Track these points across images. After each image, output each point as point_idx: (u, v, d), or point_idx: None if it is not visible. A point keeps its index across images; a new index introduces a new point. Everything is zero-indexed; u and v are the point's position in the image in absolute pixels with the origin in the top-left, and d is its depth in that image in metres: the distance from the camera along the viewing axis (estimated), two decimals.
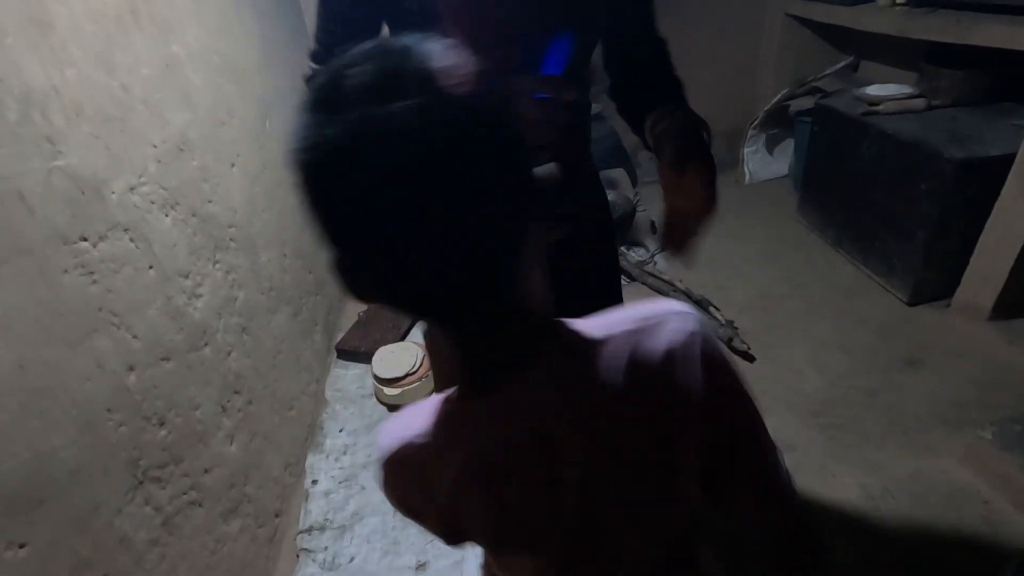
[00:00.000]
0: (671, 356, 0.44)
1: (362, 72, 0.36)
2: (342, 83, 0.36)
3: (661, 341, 0.44)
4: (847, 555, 1.29)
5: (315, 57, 0.86)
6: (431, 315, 0.44)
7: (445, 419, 0.47)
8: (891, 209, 2.04)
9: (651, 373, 0.44)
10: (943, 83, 2.08)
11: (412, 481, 0.50)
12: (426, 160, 0.34)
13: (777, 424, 1.64)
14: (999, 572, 1.20)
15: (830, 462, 1.51)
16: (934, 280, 1.98)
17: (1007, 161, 1.68)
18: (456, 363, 0.46)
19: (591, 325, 0.47)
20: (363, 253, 0.38)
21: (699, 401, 0.45)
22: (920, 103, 2.07)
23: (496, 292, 0.42)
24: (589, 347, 0.45)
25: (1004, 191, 1.71)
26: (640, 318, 0.46)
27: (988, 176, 1.73)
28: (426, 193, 0.35)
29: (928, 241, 1.90)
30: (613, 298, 1.18)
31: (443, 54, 0.37)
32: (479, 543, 0.53)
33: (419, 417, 0.49)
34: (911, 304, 2.02)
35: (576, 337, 0.46)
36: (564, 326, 0.47)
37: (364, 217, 0.36)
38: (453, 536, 0.53)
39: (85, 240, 0.92)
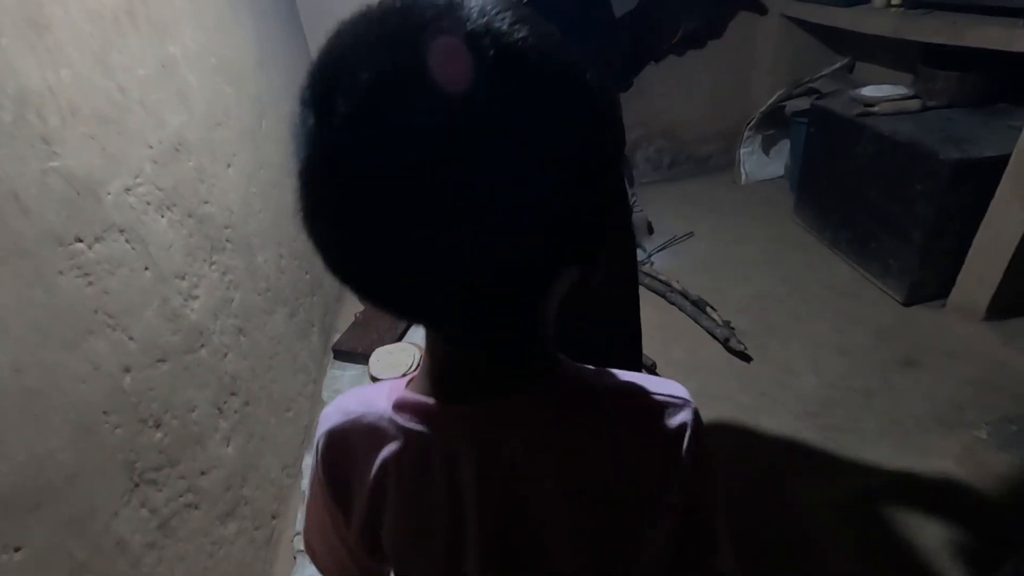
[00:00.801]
0: (663, 439, 0.42)
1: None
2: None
3: (659, 422, 0.42)
4: (844, 555, 1.30)
5: None
6: (439, 324, 0.39)
7: (404, 408, 0.44)
8: (887, 209, 2.04)
9: (637, 451, 0.42)
10: (938, 84, 2.10)
11: (349, 459, 0.47)
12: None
13: (774, 425, 1.64)
14: (996, 572, 1.21)
15: (827, 462, 1.52)
16: (930, 280, 1.99)
17: (1002, 162, 1.69)
18: (436, 362, 0.43)
19: (594, 376, 0.44)
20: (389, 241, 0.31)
21: (675, 494, 0.43)
22: (915, 104, 2.08)
23: (517, 318, 0.38)
24: (583, 396, 0.42)
25: (998, 192, 1.72)
26: (647, 391, 0.43)
27: (983, 177, 1.74)
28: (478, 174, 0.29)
29: (923, 241, 1.91)
30: (632, 304, 1.18)
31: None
32: (385, 554, 0.49)
33: (376, 398, 0.46)
34: (907, 304, 2.03)
35: (575, 382, 0.43)
36: (568, 365, 0.44)
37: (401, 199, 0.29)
38: (367, 537, 0.48)
39: (81, 241, 0.92)
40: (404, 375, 1.74)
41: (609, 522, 0.43)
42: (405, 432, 0.43)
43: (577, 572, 0.44)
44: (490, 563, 0.44)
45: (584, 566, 0.44)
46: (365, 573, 0.55)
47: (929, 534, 1.31)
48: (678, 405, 0.43)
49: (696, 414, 0.43)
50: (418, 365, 1.81)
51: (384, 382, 0.49)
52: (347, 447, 0.46)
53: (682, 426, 0.42)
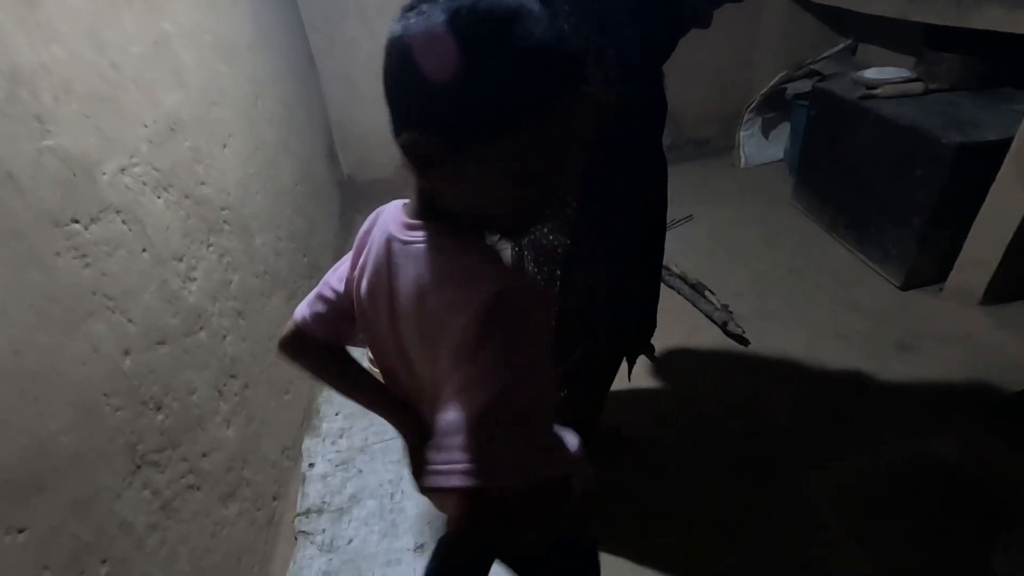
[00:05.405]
0: (469, 298, 0.51)
1: None
2: None
3: (479, 282, 0.53)
4: (840, 539, 1.32)
5: None
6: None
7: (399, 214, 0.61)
8: (886, 194, 2.04)
9: (450, 294, 0.54)
10: (941, 67, 2.08)
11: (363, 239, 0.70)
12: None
13: (771, 409, 1.66)
14: (990, 554, 1.23)
15: (824, 446, 1.53)
16: (928, 265, 1.99)
17: (1004, 146, 1.69)
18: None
19: (452, 246, 0.56)
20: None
21: (464, 343, 0.51)
22: (918, 87, 2.07)
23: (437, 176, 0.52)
24: (444, 247, 0.56)
25: (1000, 176, 1.72)
26: (491, 263, 0.57)
27: (984, 161, 1.73)
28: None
29: (923, 226, 1.91)
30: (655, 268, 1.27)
31: None
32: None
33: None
34: (904, 289, 2.04)
35: (442, 238, 0.56)
36: (440, 227, 0.57)
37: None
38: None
39: (77, 222, 0.90)
40: None
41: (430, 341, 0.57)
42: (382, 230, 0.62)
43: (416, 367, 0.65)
44: (396, 342, 0.64)
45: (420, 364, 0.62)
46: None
47: (925, 516, 1.33)
48: (482, 290, 0.52)
49: (499, 297, 0.51)
50: None
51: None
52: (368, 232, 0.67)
53: (480, 303, 0.51)
